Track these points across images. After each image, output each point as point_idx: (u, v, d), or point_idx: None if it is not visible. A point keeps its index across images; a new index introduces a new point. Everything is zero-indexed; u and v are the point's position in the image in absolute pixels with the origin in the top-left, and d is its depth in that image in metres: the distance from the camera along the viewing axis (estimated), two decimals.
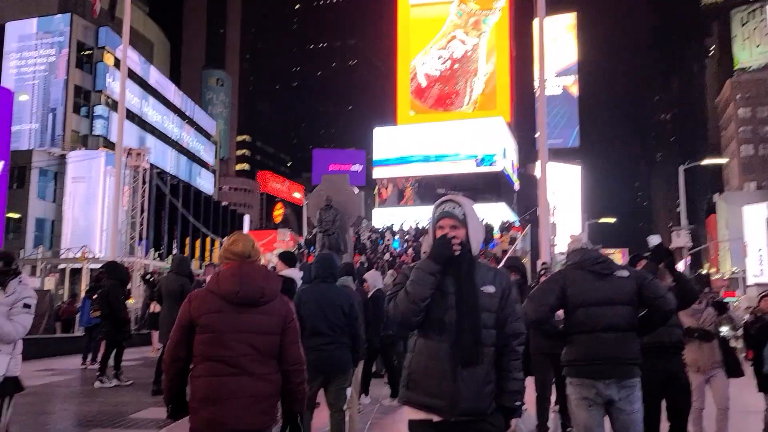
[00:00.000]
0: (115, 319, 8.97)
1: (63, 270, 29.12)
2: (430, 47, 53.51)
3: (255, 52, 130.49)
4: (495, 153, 45.41)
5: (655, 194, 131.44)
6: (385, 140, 49.18)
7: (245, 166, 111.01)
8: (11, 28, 42.37)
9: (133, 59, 44.10)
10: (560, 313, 3.58)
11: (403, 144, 47.88)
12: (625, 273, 3.45)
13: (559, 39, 62.42)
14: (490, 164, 45.33)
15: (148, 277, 14.18)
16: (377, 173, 49.35)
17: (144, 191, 28.15)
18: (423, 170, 46.74)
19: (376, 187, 50.41)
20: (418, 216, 31.38)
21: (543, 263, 9.79)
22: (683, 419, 4.33)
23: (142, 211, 28.45)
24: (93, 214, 35.86)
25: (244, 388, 2.68)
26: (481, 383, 2.48)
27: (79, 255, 27.90)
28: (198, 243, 45.84)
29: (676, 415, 4.30)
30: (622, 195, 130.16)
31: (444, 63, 53.04)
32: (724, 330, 6.40)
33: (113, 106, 41.64)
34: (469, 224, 2.59)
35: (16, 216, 34.65)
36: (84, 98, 42.87)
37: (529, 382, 3.90)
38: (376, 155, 49.26)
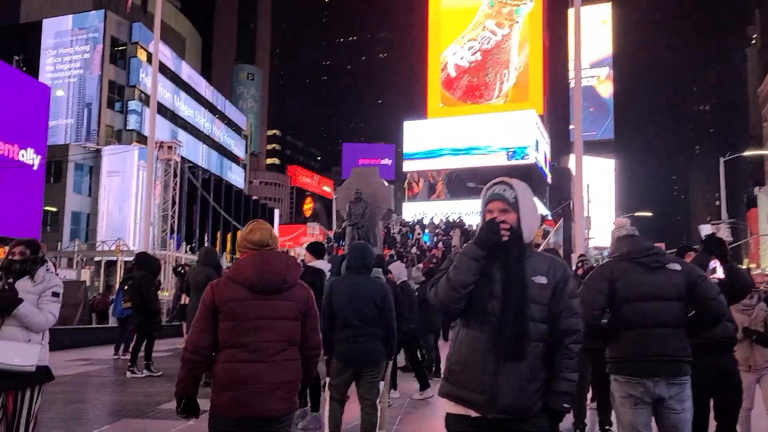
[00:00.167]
0: (146, 310, 9.01)
1: (98, 262, 29.81)
2: (461, 38, 53.07)
3: (285, 46, 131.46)
4: (527, 146, 44.90)
5: (692, 187, 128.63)
6: (414, 134, 49.02)
7: (275, 161, 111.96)
8: (48, 25, 43.28)
9: (165, 54, 44.67)
10: None
11: (432, 137, 47.63)
12: (677, 266, 3.27)
13: (593, 30, 61.32)
14: (522, 157, 44.84)
15: (179, 269, 14.27)
16: (407, 167, 49.22)
17: (176, 185, 28.51)
18: (452, 163, 46.43)
19: (406, 181, 50.29)
20: (448, 210, 31.18)
21: (580, 255, 9.51)
22: (733, 419, 4.12)
23: (174, 205, 28.82)
24: (127, 207, 36.55)
25: (264, 375, 2.69)
26: (524, 380, 2.28)
27: (113, 248, 28.42)
28: (229, 236, 46.30)
29: (725, 414, 4.10)
30: (658, 188, 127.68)
31: (474, 54, 52.59)
32: None
33: (146, 101, 42.22)
34: (520, 208, 2.39)
35: (54, 210, 35.48)
36: (118, 93, 43.57)
37: None
38: (406, 148, 49.13)
